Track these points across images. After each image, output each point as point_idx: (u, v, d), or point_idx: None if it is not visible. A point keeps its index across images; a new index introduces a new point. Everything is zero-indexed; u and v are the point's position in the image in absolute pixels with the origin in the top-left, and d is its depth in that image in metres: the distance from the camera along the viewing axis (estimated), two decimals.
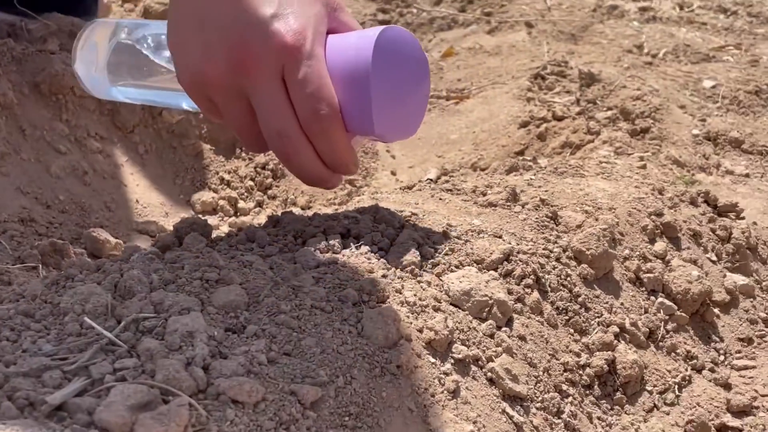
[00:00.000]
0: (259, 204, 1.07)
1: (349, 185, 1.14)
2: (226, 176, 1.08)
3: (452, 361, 0.62)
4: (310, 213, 1.01)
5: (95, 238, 0.89)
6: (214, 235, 0.76)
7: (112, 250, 0.89)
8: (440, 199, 0.83)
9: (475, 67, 1.55)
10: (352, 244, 0.71)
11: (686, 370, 0.77)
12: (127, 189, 0.99)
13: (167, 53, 0.79)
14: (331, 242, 0.70)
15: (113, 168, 0.99)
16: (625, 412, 0.71)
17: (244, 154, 1.11)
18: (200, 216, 1.01)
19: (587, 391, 0.69)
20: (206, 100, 0.68)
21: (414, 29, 1.90)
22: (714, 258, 0.89)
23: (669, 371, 0.75)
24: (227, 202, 1.04)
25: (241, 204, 1.05)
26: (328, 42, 0.69)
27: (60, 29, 1.06)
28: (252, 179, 1.09)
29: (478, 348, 0.64)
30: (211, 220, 1.00)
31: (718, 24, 2.28)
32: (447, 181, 0.91)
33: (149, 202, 0.99)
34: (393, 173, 1.21)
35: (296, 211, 0.86)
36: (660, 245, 0.85)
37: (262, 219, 1.02)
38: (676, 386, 0.74)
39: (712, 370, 0.78)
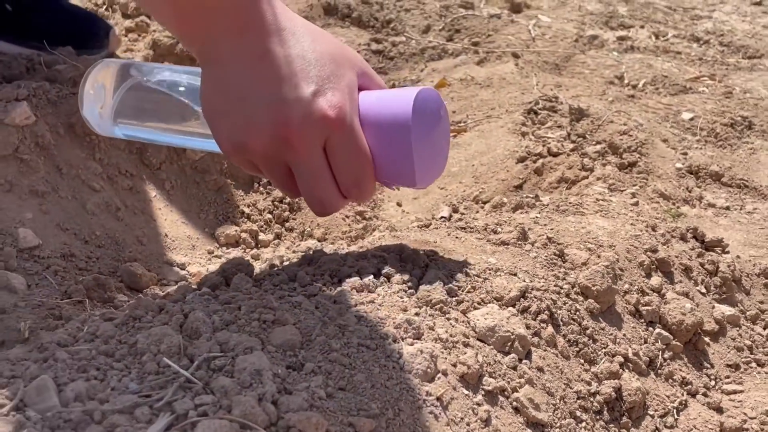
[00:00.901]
0: (278, 236, 1.13)
1: (360, 217, 1.21)
2: (246, 209, 1.14)
3: (483, 392, 0.69)
4: (329, 246, 1.08)
5: (132, 272, 0.95)
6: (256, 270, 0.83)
7: (148, 282, 0.96)
8: (456, 237, 0.91)
9: (469, 99, 1.63)
10: (384, 282, 0.78)
11: (682, 395, 0.85)
12: (156, 223, 1.05)
13: (183, 98, 0.84)
14: (366, 281, 0.77)
15: (143, 203, 1.05)
16: None
17: (262, 188, 1.17)
18: (224, 248, 1.08)
19: (598, 417, 0.77)
20: (247, 162, 0.75)
21: (406, 59, 1.97)
22: (703, 290, 0.97)
23: (668, 396, 0.83)
24: (249, 235, 1.10)
25: (261, 236, 1.11)
26: (362, 100, 0.77)
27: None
28: (270, 212, 1.15)
29: (504, 380, 0.72)
30: (235, 252, 1.07)
31: (691, 53, 2.39)
32: (460, 219, 0.98)
33: (177, 235, 1.06)
34: (399, 204, 1.28)
35: (327, 249, 0.93)
36: (656, 279, 0.93)
37: (282, 250, 1.08)
38: (675, 410, 0.82)
39: (705, 395, 0.86)
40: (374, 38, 2.05)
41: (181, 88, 0.86)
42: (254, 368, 0.61)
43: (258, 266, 0.99)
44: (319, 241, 1.12)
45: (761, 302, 1.01)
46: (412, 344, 0.69)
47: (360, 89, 0.77)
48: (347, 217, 1.19)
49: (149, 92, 0.88)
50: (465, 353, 0.71)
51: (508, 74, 1.77)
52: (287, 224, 1.15)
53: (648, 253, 0.95)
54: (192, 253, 1.05)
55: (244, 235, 1.10)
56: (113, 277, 0.95)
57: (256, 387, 0.59)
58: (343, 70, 0.73)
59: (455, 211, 1.13)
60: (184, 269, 1.01)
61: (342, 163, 0.73)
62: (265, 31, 0.71)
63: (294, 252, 1.06)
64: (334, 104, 0.71)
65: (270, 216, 1.14)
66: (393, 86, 1.77)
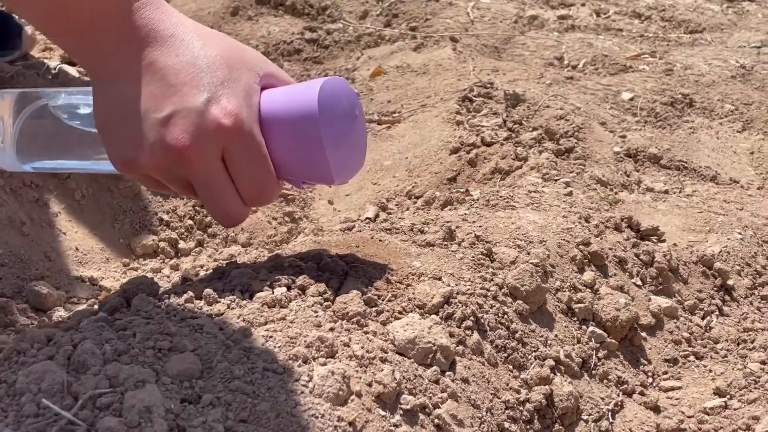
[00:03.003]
0: (200, 243, 1.08)
1: (288, 218, 1.16)
2: (165, 216, 1.08)
3: (401, 412, 0.65)
4: (252, 252, 1.03)
5: (37, 292, 0.89)
6: (165, 279, 0.77)
7: (54, 303, 0.90)
8: (380, 240, 0.86)
9: (404, 88, 1.58)
10: (298, 296, 0.73)
11: (618, 395, 0.81)
12: (66, 237, 0.99)
13: (84, 120, 0.78)
14: (278, 296, 0.72)
15: (51, 216, 0.99)
16: None
17: None
18: (141, 260, 1.02)
19: (528, 426, 0.73)
20: (143, 177, 0.70)
21: (342, 47, 1.92)
22: (639, 282, 0.94)
23: (602, 399, 0.80)
24: (168, 244, 1.04)
25: (181, 245, 1.06)
26: (266, 100, 0.72)
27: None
28: (191, 218, 1.09)
29: (425, 395, 0.68)
30: (153, 263, 1.01)
31: (633, 30, 2.37)
32: (385, 220, 0.94)
33: (89, 248, 1.00)
34: (330, 202, 1.23)
35: (246, 258, 0.87)
36: (588, 274, 0.90)
37: (203, 259, 1.03)
38: (610, 413, 0.79)
39: (642, 394, 0.83)
40: (308, 26, 1.99)
41: (81, 111, 0.81)
42: (144, 405, 0.55)
43: (173, 279, 0.93)
44: (243, 246, 1.07)
45: (699, 291, 0.98)
46: (324, 364, 0.64)
47: (265, 89, 0.73)
48: (274, 219, 1.14)
49: (51, 119, 0.82)
50: (382, 370, 0.66)
51: (444, 60, 1.73)
52: (210, 230, 1.09)
53: (580, 246, 0.92)
54: (106, 266, 0.99)
55: (162, 244, 1.04)
56: (18, 298, 0.89)
57: (145, 426, 0.54)
58: (239, 74, 0.68)
59: (383, 209, 1.09)
60: (96, 284, 0.95)
61: (242, 173, 0.69)
62: (150, 41, 0.67)
63: (215, 260, 1.01)
64: (230, 111, 0.66)
65: (191, 222, 1.09)
66: (324, 76, 1.71)
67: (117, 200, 1.07)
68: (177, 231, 1.07)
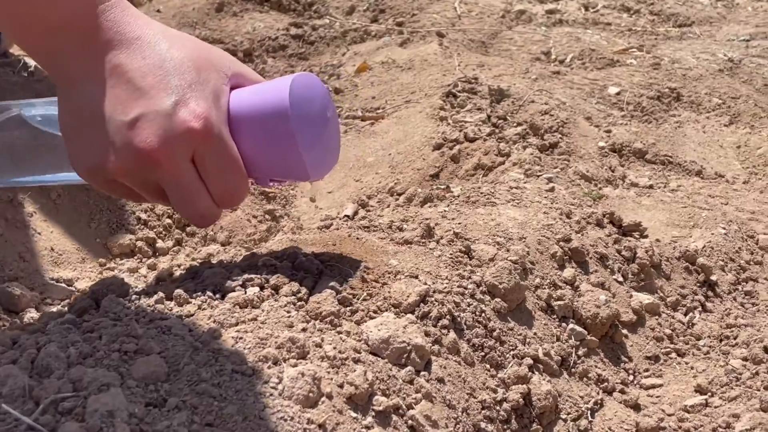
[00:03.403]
0: (178, 242, 1.06)
1: (268, 216, 1.14)
2: (143, 215, 1.07)
3: (373, 413, 0.64)
4: (231, 251, 1.01)
5: (10, 294, 0.87)
6: (142, 279, 0.76)
7: (28, 304, 0.88)
8: (357, 238, 0.85)
9: (389, 84, 1.57)
10: (271, 295, 0.72)
11: (597, 393, 0.80)
12: (41, 237, 0.98)
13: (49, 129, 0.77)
14: (250, 296, 0.71)
15: (25, 216, 0.98)
16: None
17: None
18: (118, 259, 1.01)
19: (505, 426, 0.72)
20: (108, 184, 0.69)
21: (327, 43, 1.90)
22: (620, 279, 0.93)
23: (581, 397, 0.79)
24: (145, 243, 1.03)
25: (159, 243, 1.04)
26: (235, 100, 0.71)
27: None
28: (170, 216, 1.08)
29: (398, 396, 0.66)
30: (130, 263, 1.00)
31: (621, 24, 2.35)
32: (364, 217, 0.92)
33: (64, 249, 0.98)
34: (312, 200, 1.22)
35: (223, 257, 0.86)
36: (569, 271, 0.88)
37: (180, 258, 1.01)
38: (589, 412, 0.78)
39: (622, 392, 0.82)
40: (294, 22, 1.98)
41: (39, 118, 0.79)
42: (107, 409, 0.54)
43: (150, 279, 0.92)
44: (222, 245, 1.05)
45: (682, 287, 0.97)
46: (295, 365, 0.63)
47: (234, 90, 0.72)
48: (254, 217, 1.12)
49: (25, 130, 0.81)
50: (354, 371, 0.65)
51: (430, 55, 1.71)
52: (188, 228, 1.08)
53: (561, 243, 0.91)
54: (81, 266, 0.97)
55: (139, 243, 1.03)
56: None
57: (107, 431, 0.53)
58: (207, 75, 0.68)
59: (363, 206, 1.08)
60: (71, 285, 0.94)
61: (213, 175, 0.68)
62: (116, 43, 0.66)
63: (194, 259, 0.99)
64: (199, 114, 0.65)
65: (169, 221, 1.07)
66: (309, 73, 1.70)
67: (93, 199, 1.05)
68: (155, 230, 1.06)
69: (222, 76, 0.69)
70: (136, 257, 1.02)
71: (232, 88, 0.71)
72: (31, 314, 0.85)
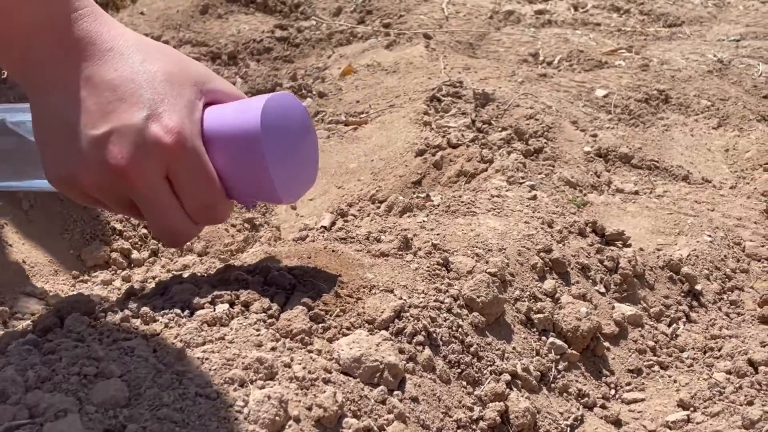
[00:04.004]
0: (154, 253, 1.04)
1: (248, 224, 1.13)
2: (118, 225, 1.05)
3: None
4: (206, 263, 1.00)
5: None
6: (116, 292, 0.74)
7: None
8: (333, 251, 0.83)
9: (374, 87, 1.55)
10: (241, 313, 0.70)
11: (578, 409, 0.79)
12: (12, 249, 0.96)
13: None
14: (219, 313, 0.69)
15: None
16: None
17: None
18: (92, 271, 0.99)
19: None
20: (81, 194, 0.67)
21: (313, 45, 1.88)
22: (602, 290, 0.91)
23: (561, 413, 0.77)
24: (120, 254, 1.01)
25: (134, 255, 1.02)
26: (209, 116, 0.69)
27: None
28: (145, 226, 1.06)
29: (370, 417, 0.65)
30: (104, 275, 0.98)
31: (611, 24, 2.34)
32: (341, 228, 0.91)
33: (36, 261, 0.96)
34: (293, 207, 1.20)
35: (198, 269, 0.84)
36: (549, 283, 0.87)
37: (156, 270, 0.99)
38: (569, 428, 0.76)
39: (603, 407, 0.80)
40: (279, 24, 1.96)
41: (21, 124, 0.77)
42: None
43: (121, 292, 0.90)
44: (199, 255, 1.04)
45: (666, 297, 0.96)
46: (262, 387, 0.61)
47: (210, 104, 0.70)
48: (233, 226, 1.11)
49: (9, 136, 0.79)
50: (324, 392, 0.63)
51: (416, 58, 1.69)
52: None
53: (541, 254, 0.89)
54: (54, 279, 0.95)
55: (114, 254, 1.01)
56: None
57: None
58: (182, 89, 0.66)
59: (343, 215, 1.06)
60: (43, 299, 0.92)
61: (187, 191, 0.66)
62: (88, 54, 0.64)
63: (169, 271, 0.97)
64: (171, 128, 0.63)
65: (145, 231, 1.05)
66: (293, 76, 1.68)
67: (68, 209, 1.03)
68: (130, 240, 1.04)
69: (196, 91, 0.67)
70: (110, 269, 1.00)
71: (208, 104, 0.69)
72: None
